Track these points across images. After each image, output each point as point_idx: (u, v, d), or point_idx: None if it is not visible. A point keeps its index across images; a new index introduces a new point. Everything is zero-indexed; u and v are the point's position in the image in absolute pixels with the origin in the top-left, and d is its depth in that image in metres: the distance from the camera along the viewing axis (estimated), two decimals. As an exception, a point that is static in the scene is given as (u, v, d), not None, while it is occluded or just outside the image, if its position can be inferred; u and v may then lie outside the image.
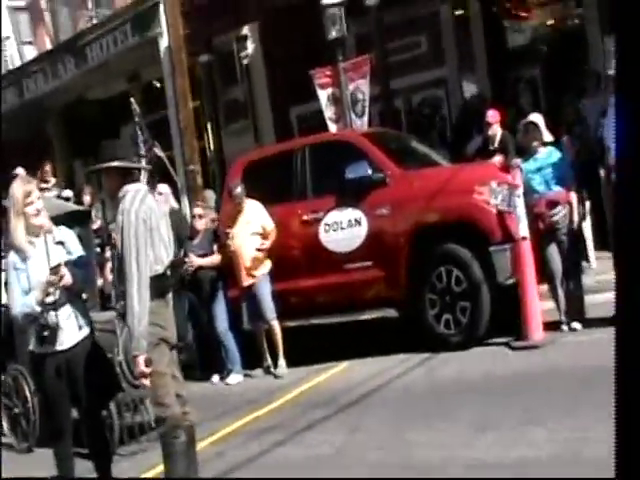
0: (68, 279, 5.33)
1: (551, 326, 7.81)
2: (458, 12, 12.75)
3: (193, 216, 9.52)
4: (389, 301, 8.59)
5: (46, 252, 5.45)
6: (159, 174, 14.78)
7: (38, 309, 5.34)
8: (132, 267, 4.83)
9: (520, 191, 7.56)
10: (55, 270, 5.32)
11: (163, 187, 10.09)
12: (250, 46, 14.87)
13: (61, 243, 5.55)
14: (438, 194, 8.02)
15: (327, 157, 9.12)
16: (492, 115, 9.39)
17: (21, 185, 5.63)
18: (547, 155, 7.81)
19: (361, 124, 11.14)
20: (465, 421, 5.83)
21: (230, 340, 9.15)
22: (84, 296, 5.89)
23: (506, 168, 7.99)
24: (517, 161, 7.81)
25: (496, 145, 9.30)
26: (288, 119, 14.76)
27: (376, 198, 8.44)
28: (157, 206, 5.21)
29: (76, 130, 17.69)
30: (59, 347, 5.42)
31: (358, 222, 8.50)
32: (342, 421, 6.55)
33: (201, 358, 9.54)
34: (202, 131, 15.00)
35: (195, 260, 9.11)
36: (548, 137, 7.94)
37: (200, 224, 9.37)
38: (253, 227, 8.95)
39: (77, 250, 5.62)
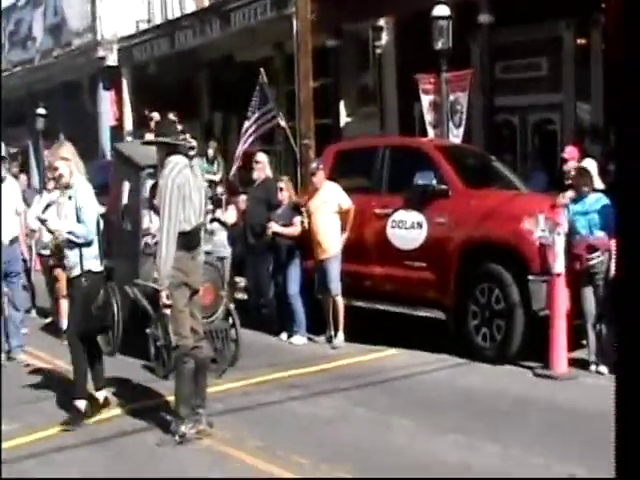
0: (49, 225, 7.12)
1: (580, 364, 8.19)
2: (580, 40, 13.09)
3: (278, 188, 10.44)
4: (438, 304, 9.15)
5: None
6: (281, 142, 15.97)
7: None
8: (164, 222, 6.19)
9: (562, 229, 7.99)
10: (40, 218, 7.29)
11: (261, 156, 11.14)
12: (384, 37, 15.65)
13: (72, 198, 6.92)
14: (489, 216, 8.62)
15: (403, 160, 9.91)
16: (569, 152, 9.87)
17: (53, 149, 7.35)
18: (595, 201, 8.14)
19: (457, 134, 11.82)
20: (447, 429, 6.43)
21: (298, 304, 10.08)
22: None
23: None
24: (563, 200, 8.29)
25: (570, 182, 9.83)
26: (412, 113, 15.21)
27: (437, 207, 9.15)
28: (193, 178, 6.43)
29: (221, 86, 18.97)
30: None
31: (420, 225, 9.23)
32: (354, 396, 7.51)
33: (278, 315, 10.58)
34: (327, 109, 15.96)
35: (273, 227, 10.15)
36: (599, 184, 8.43)
37: (282, 196, 10.35)
38: (330, 206, 9.83)
39: (84, 207, 6.87)
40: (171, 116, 14.47)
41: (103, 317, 7.06)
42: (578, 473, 5.37)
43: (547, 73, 13.71)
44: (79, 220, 6.78)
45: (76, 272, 6.86)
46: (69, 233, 6.78)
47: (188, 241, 6.33)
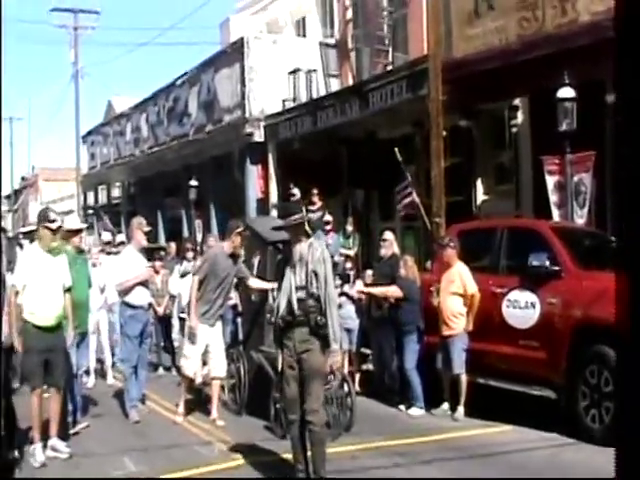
0: None
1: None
2: None
3: (400, 266, 10.89)
4: (550, 383, 9.38)
5: None
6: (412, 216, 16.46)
7: None
8: (331, 289, 6.76)
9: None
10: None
11: (388, 234, 11.69)
12: (520, 116, 15.95)
13: None
14: (599, 297, 8.65)
15: (519, 241, 10.26)
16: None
17: None
18: None
19: (581, 214, 11.93)
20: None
21: (415, 378, 10.46)
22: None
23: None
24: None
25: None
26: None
27: (550, 288, 9.42)
28: None
29: (363, 163, 19.64)
30: None
31: (533, 305, 9.52)
32: (454, 467, 7.85)
33: (400, 386, 10.94)
34: (460, 186, 16.34)
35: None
36: None
37: (403, 273, 10.78)
38: (456, 285, 10.23)
39: None
40: (315, 192, 15.51)
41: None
42: None
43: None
44: None
45: None
46: None
47: None
